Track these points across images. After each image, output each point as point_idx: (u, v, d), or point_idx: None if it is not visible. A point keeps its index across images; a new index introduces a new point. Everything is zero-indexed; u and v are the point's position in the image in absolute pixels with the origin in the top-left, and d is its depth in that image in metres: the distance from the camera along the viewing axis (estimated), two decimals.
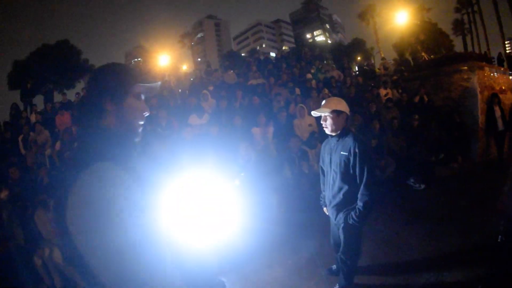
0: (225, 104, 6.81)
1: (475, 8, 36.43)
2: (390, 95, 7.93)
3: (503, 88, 7.87)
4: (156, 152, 4.54)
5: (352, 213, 2.36)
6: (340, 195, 2.46)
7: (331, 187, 2.55)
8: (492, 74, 7.71)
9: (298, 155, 5.23)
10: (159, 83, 1.19)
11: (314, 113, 2.53)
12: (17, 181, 4.63)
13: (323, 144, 2.74)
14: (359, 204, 2.32)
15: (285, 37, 79.59)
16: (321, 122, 2.51)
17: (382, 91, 8.08)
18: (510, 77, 8.80)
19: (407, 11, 30.80)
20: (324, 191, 2.80)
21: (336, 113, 2.42)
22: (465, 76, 7.46)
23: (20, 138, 7.10)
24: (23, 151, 6.84)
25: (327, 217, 2.83)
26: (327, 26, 67.99)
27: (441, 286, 2.75)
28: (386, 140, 6.10)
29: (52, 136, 7.21)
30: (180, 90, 9.63)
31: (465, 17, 38.25)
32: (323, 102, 2.54)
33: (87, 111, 1.05)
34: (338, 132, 2.47)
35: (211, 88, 8.43)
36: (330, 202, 2.58)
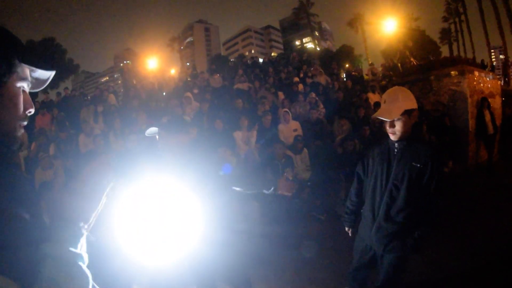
0: (207, 107, 6.52)
1: (462, 17, 37.54)
2: (379, 100, 7.74)
3: (492, 92, 7.76)
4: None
5: (410, 240, 1.85)
6: (400, 218, 1.86)
7: (385, 205, 1.91)
8: (481, 78, 7.59)
9: (282, 161, 4.94)
10: (53, 72, 0.78)
11: (383, 118, 1.84)
12: None
13: (373, 148, 2.09)
14: (424, 228, 1.85)
15: (274, 43, 79.64)
16: (387, 127, 1.86)
17: (371, 96, 7.89)
18: (498, 82, 8.75)
19: (396, 19, 31.28)
20: (353, 205, 2.25)
21: (407, 114, 1.79)
22: (455, 80, 7.33)
23: None
24: None
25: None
26: (317, 33, 68.37)
27: (437, 281, 2.92)
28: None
29: (30, 136, 6.74)
30: (164, 93, 9.33)
31: (452, 26, 39.36)
32: (387, 99, 1.86)
33: None
34: (407, 136, 1.85)
35: (196, 91, 8.15)
36: (379, 228, 1.94)
